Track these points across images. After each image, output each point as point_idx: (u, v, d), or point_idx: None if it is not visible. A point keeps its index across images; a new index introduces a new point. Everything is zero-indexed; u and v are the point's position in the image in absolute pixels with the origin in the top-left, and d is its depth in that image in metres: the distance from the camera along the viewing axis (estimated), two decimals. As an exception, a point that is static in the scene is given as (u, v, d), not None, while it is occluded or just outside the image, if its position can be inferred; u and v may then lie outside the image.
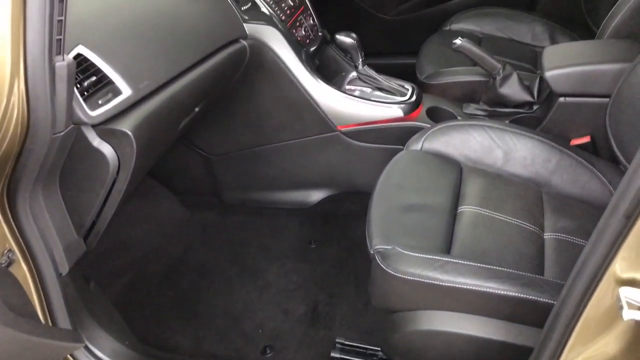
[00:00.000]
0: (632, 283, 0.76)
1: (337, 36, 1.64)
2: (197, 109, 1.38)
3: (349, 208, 1.87)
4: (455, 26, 2.21)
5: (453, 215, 1.31)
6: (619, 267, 0.76)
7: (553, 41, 2.11)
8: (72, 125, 0.95)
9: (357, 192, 1.81)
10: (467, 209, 1.31)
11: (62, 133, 0.93)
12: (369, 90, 1.68)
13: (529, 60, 1.99)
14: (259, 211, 1.92)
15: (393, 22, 2.53)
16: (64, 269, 1.09)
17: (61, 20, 0.85)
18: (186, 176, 1.93)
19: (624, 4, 1.52)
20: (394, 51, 2.48)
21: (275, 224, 1.89)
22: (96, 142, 1.01)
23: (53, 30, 0.84)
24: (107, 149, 1.02)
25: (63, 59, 0.88)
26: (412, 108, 1.63)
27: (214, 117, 1.70)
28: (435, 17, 2.43)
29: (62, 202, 1.08)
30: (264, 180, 1.85)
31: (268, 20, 1.52)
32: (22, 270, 1.03)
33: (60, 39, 0.86)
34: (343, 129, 1.67)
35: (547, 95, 1.60)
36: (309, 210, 1.87)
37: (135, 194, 1.66)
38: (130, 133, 1.01)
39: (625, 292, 0.75)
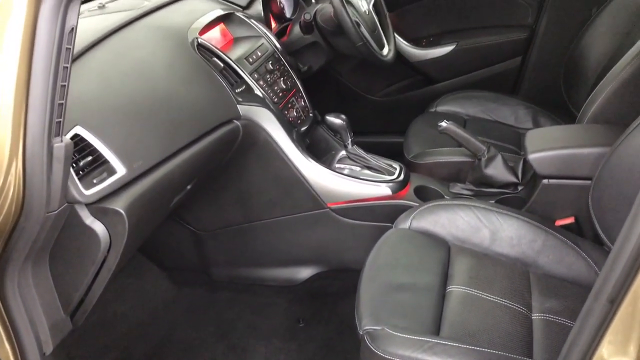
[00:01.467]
0: (619, 366, 0.77)
1: (327, 117, 1.70)
2: (188, 187, 1.41)
3: (338, 286, 1.87)
4: (441, 108, 2.29)
5: (442, 295, 1.31)
6: (606, 351, 0.77)
7: (535, 123, 2.19)
8: (66, 204, 0.97)
9: (346, 269, 1.81)
10: (455, 289, 1.32)
11: (56, 212, 0.95)
12: (358, 168, 1.72)
13: (512, 142, 2.05)
14: (247, 288, 1.91)
15: (381, 103, 2.62)
16: (48, 348, 1.07)
17: (62, 103, 0.89)
18: (174, 252, 1.93)
19: (601, 92, 1.59)
20: (381, 130, 2.55)
21: (263, 301, 1.88)
22: (89, 220, 1.03)
23: (54, 113, 0.87)
24: (99, 228, 1.03)
25: (61, 141, 0.90)
26: (400, 187, 1.67)
27: (205, 194, 1.72)
28: (422, 99, 2.52)
29: (50, 280, 1.08)
30: (253, 257, 1.85)
31: (261, 102, 1.58)
32: (4, 350, 1.02)
33: (60, 122, 0.89)
34: (333, 206, 1.69)
35: (531, 177, 1.65)
36: (297, 288, 1.86)
37: (122, 269, 1.65)
38: (123, 212, 1.03)
39: (616, 377, 0.76)
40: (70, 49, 0.87)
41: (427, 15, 2.49)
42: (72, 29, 0.86)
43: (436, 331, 1.21)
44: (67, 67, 0.87)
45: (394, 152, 1.97)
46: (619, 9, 1.99)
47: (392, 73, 2.59)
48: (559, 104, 2.23)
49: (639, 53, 1.53)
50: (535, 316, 1.29)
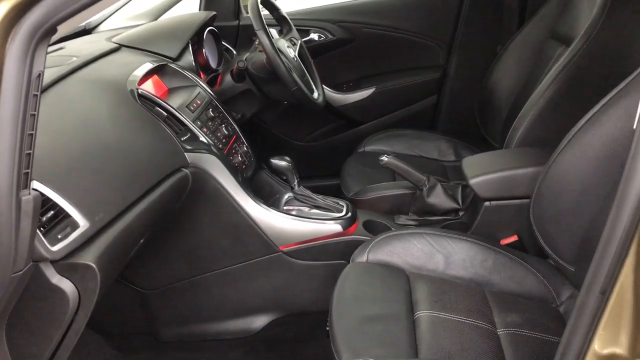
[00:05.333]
0: (613, 357, 0.81)
1: (272, 160, 1.71)
2: (142, 240, 1.35)
3: (295, 331, 1.83)
4: (369, 147, 2.37)
5: (412, 322, 1.33)
6: (600, 343, 0.81)
7: (457, 155, 2.32)
8: (31, 263, 0.90)
9: (302, 313, 1.78)
10: (423, 314, 1.35)
11: (22, 272, 0.87)
12: (306, 209, 1.73)
13: (439, 174, 2.16)
14: (199, 345, 1.82)
15: (308, 148, 2.67)
16: None
17: (29, 153, 0.84)
18: (117, 316, 1.81)
19: (524, 118, 1.72)
20: (312, 174, 2.59)
21: (217, 357, 1.80)
22: (55, 279, 0.95)
23: (22, 164, 0.82)
24: (67, 286, 0.96)
25: (29, 193, 0.85)
26: (349, 223, 1.69)
27: (150, 249, 1.65)
28: (347, 141, 2.60)
29: (7, 352, 0.98)
30: (204, 311, 1.78)
31: (207, 148, 1.56)
32: None
33: (28, 173, 0.84)
34: (285, 249, 1.68)
35: (471, 202, 1.74)
36: (253, 338, 1.80)
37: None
38: (94, 266, 0.97)
39: (612, 368, 0.80)
40: (37, 95, 0.83)
41: (346, 62, 2.60)
42: (40, 74, 0.82)
43: (415, 355, 1.22)
44: (34, 115, 0.83)
45: (329, 194, 2.00)
46: (521, 45, 2.18)
47: (316, 118, 2.66)
48: (475, 136, 2.38)
49: (553, 80, 1.69)
50: (501, 331, 1.34)
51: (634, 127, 0.73)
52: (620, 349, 0.80)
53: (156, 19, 2.34)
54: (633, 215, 0.73)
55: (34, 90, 0.82)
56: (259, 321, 1.78)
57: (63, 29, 0.84)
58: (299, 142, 2.66)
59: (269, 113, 2.51)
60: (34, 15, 0.79)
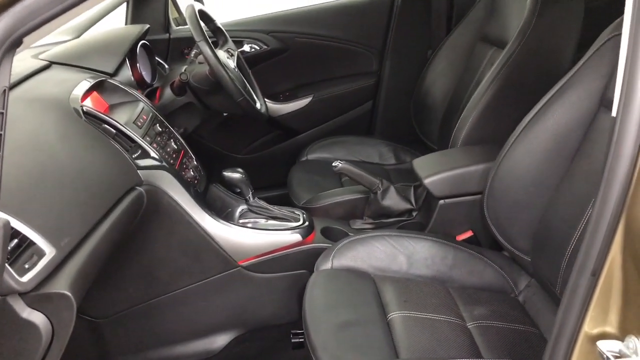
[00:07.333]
0: (603, 336, 0.85)
1: (225, 173, 1.66)
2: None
3: (259, 346, 1.78)
4: (312, 156, 2.37)
5: (386, 323, 1.34)
6: (591, 323, 0.85)
7: (397, 158, 2.37)
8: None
9: (265, 327, 1.74)
10: (395, 315, 1.36)
11: (-10, 307, 0.80)
12: (263, 220, 1.70)
13: (383, 177, 2.19)
14: (157, 372, 1.74)
15: (248, 160, 2.63)
16: None
17: (-4, 176, 0.77)
18: (67, 349, 1.68)
19: (467, 119, 1.79)
20: (256, 187, 2.54)
21: (178, 382, 1.72)
22: (25, 312, 0.87)
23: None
24: (39, 319, 0.88)
25: (-4, 220, 0.78)
26: (308, 231, 1.68)
27: (102, 275, 1.56)
28: (287, 150, 2.59)
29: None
30: (162, 335, 1.70)
31: (159, 165, 1.50)
32: None
33: (-5, 197, 0.77)
34: (244, 264, 1.64)
35: (424, 201, 1.77)
36: (215, 358, 1.74)
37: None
38: (69, 293, 0.89)
39: (604, 346, 0.83)
40: (3, 113, 0.76)
41: (281, 72, 2.59)
42: (5, 90, 0.76)
43: (395, 356, 1.23)
44: (0, 135, 0.76)
45: (276, 204, 1.97)
46: (451, 49, 2.27)
47: (254, 130, 2.63)
48: (412, 138, 2.44)
49: (492, 81, 1.76)
50: (470, 324, 1.37)
51: (613, 114, 0.78)
52: (611, 328, 0.84)
53: (79, 35, 2.23)
54: (620, 196, 0.76)
55: (0, 107, 0.75)
56: (220, 340, 1.73)
57: (29, 41, 0.78)
58: (237, 154, 2.62)
59: (205, 127, 2.45)
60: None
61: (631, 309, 0.81)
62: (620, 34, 1.23)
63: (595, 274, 0.81)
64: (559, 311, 0.87)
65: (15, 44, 0.75)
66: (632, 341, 0.79)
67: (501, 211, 1.52)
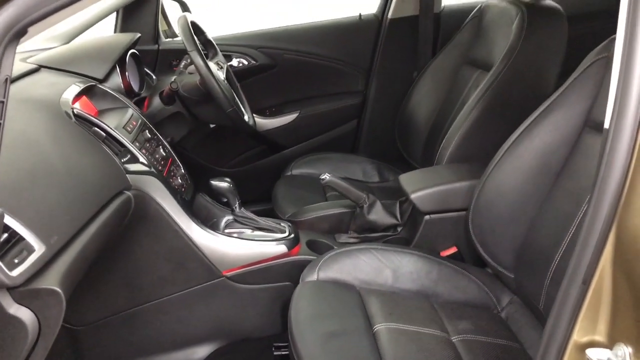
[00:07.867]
0: (592, 344, 0.86)
1: (212, 182, 1.66)
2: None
3: (240, 358, 1.76)
4: (297, 171, 2.38)
5: (372, 335, 1.34)
6: (580, 332, 0.86)
7: (381, 176, 2.39)
8: (-11, 292, 0.81)
9: (246, 339, 1.73)
10: (381, 327, 1.36)
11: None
12: (249, 231, 1.69)
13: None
14: (135, 383, 1.70)
15: (232, 174, 2.62)
16: None
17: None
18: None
19: (453, 137, 1.82)
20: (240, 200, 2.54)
21: (156, 394, 1.69)
22: (12, 308, 0.86)
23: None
24: (26, 315, 0.87)
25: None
26: (294, 243, 1.68)
27: (83, 280, 1.53)
28: (272, 165, 2.60)
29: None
30: (142, 345, 1.67)
31: (148, 170, 1.49)
32: None
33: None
34: (228, 274, 1.63)
35: (410, 217, 1.79)
36: (195, 370, 1.72)
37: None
38: (59, 290, 0.88)
39: (593, 354, 0.85)
40: (4, 102, 0.76)
41: (269, 87, 2.60)
42: (7, 78, 0.76)
43: (382, 368, 1.23)
44: (0, 124, 0.76)
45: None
46: (437, 71, 2.31)
47: (239, 144, 2.64)
48: (395, 157, 2.48)
49: (478, 102, 1.80)
50: (455, 338, 1.38)
51: (605, 126, 0.80)
52: (600, 336, 0.85)
53: (68, 42, 2.22)
54: (611, 206, 0.78)
55: (0, 96, 0.75)
56: (201, 352, 1.70)
57: (34, 32, 0.78)
58: (222, 168, 2.62)
59: (192, 138, 2.45)
60: (4, 16, 0.73)
61: (620, 318, 0.83)
62: (606, 56, 1.29)
63: (586, 283, 0.83)
64: (549, 320, 0.88)
65: (20, 33, 0.75)
66: (621, 349, 0.80)
67: (486, 227, 1.54)
